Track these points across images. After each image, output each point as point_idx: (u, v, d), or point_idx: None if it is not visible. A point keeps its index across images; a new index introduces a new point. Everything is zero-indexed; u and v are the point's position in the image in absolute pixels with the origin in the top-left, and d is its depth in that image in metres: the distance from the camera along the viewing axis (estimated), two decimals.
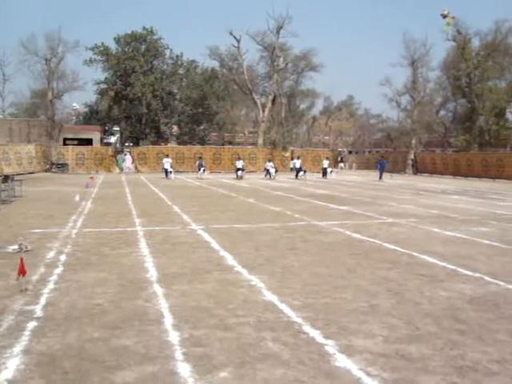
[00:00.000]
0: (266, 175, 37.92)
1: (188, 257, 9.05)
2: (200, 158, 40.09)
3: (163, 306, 6.16)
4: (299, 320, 5.70)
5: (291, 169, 47.61)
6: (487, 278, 7.74)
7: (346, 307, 6.21)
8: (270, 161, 40.02)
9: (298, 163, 38.30)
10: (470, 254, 9.70)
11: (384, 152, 57.75)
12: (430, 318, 5.87)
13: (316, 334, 5.27)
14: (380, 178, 36.25)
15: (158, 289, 6.90)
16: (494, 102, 50.39)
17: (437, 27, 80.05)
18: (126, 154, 47.37)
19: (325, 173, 39.78)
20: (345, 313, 6.00)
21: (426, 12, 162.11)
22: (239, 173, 36.36)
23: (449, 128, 61.06)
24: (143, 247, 9.92)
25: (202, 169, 36.74)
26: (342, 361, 4.63)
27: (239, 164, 37.29)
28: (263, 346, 4.95)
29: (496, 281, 7.60)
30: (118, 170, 44.42)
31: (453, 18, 43.56)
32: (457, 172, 44.89)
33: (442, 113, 62.26)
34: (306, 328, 5.46)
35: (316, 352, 4.83)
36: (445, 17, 39.85)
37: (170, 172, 36.23)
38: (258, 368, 4.44)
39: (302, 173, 37.39)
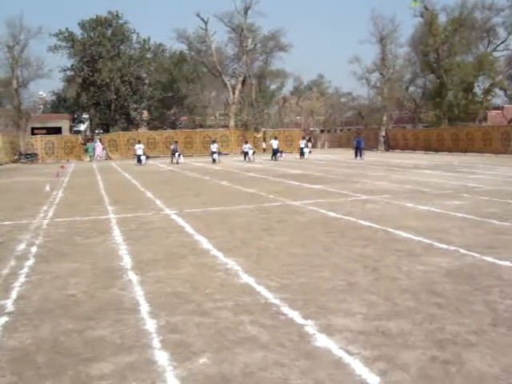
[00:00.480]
0: (244, 158, 37.00)
1: (162, 242, 8.93)
2: (175, 142, 39.13)
3: (139, 293, 6.04)
4: (277, 301, 5.63)
5: (264, 149, 47.54)
6: (462, 251, 7.77)
7: (323, 286, 6.16)
8: (246, 143, 39.39)
9: (275, 144, 37.39)
10: (445, 227, 9.75)
11: (360, 129, 57.35)
12: (408, 293, 5.85)
13: (295, 315, 5.21)
14: (359, 155, 35.63)
15: (132, 276, 6.77)
16: (462, 77, 50.81)
17: (405, 3, 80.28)
18: (95, 142, 46.74)
19: (302, 153, 38.87)
20: (323, 292, 5.95)
21: None
22: (215, 156, 35.48)
23: (419, 104, 61.42)
24: (117, 235, 9.75)
25: (177, 154, 35.81)
26: (322, 341, 4.57)
27: (214, 147, 36.37)
28: (242, 330, 4.87)
29: (471, 253, 7.63)
30: (88, 159, 43.66)
31: None
32: (428, 147, 45.34)
33: (411, 89, 62.53)
34: (285, 309, 5.39)
35: (295, 333, 4.77)
36: None
37: (146, 157, 35.67)
38: (237, 352, 4.37)
39: (279, 154, 37.01)
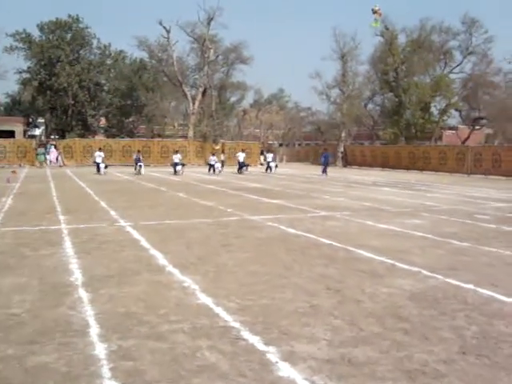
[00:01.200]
0: (209, 170, 35.23)
1: (116, 256, 8.51)
2: (138, 151, 37.07)
3: (89, 313, 5.63)
4: (237, 325, 5.33)
5: (222, 162, 47.20)
6: (425, 272, 7.62)
7: (285, 308, 5.89)
8: (213, 154, 37.56)
9: (241, 157, 36.42)
10: (406, 247, 9.63)
11: (325, 144, 56.86)
12: (373, 317, 5.63)
13: (255, 341, 4.91)
14: (324, 171, 34.43)
15: (83, 294, 6.34)
16: (419, 97, 51.82)
17: (366, 21, 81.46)
18: (50, 147, 45.53)
19: (269, 167, 37.93)
20: (285, 315, 5.67)
21: (356, 6, 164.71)
22: (178, 168, 33.36)
23: (377, 121, 62.31)
24: (68, 247, 9.27)
25: (139, 164, 33.78)
26: (285, 370, 4.29)
27: (176, 158, 34.23)
28: (199, 357, 4.54)
29: (434, 274, 7.49)
30: (38, 164, 42.15)
31: (380, 15, 44.23)
32: (385, 164, 45.85)
33: (370, 106, 63.42)
34: (245, 334, 5.09)
35: (257, 361, 4.47)
36: (375, 12, 40.30)
37: (104, 166, 33.41)
38: (194, 383, 4.04)
39: (244, 168, 36.19)
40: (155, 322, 5.40)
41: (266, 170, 37.81)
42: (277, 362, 4.44)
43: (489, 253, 9.25)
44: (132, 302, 6.03)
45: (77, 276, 7.18)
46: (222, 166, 35.45)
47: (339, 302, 6.18)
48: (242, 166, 35.97)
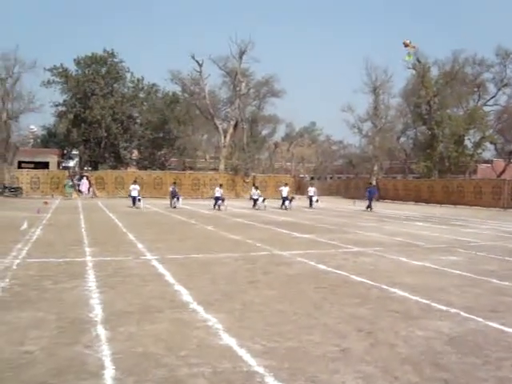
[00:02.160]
0: (254, 205, 33.27)
1: (139, 291, 8.22)
2: (174, 183, 35.43)
3: (105, 353, 5.33)
4: (261, 370, 4.95)
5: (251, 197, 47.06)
6: (463, 314, 7.15)
7: (313, 352, 5.49)
8: (257, 188, 34.98)
9: (285, 191, 33.72)
10: (442, 285, 9.14)
11: (371, 179, 55.24)
12: (409, 363, 5.20)
13: None
14: (369, 206, 32.66)
15: (101, 331, 6.06)
16: (452, 130, 51.11)
17: (398, 55, 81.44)
18: (81, 179, 46.00)
19: (311, 201, 35.60)
20: (312, 359, 5.28)
21: (388, 38, 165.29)
22: (219, 203, 31.26)
23: (409, 154, 61.66)
24: (91, 280, 9.03)
25: (177, 197, 32.31)
26: None
27: (218, 192, 32.06)
28: None
29: (473, 316, 7.02)
30: (65, 195, 42.01)
31: (414, 47, 44.00)
32: (418, 198, 45.07)
33: (402, 139, 62.95)
34: (269, 380, 4.71)
35: None
36: (406, 46, 40.11)
37: (139, 200, 31.51)
38: None
39: (288, 202, 33.21)
40: (174, 364, 5.07)
41: (310, 205, 35.34)
42: None
43: None
44: (151, 342, 5.72)
45: (97, 312, 6.91)
46: (264, 200, 32.90)
47: (371, 345, 5.76)
48: (284, 200, 33.30)
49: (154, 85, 61.65)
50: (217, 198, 31.62)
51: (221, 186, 34.34)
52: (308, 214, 27.68)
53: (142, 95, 60.93)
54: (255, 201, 33.14)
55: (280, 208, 32.99)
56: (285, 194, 33.40)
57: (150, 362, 5.10)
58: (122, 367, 4.94)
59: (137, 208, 30.61)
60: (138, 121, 60.91)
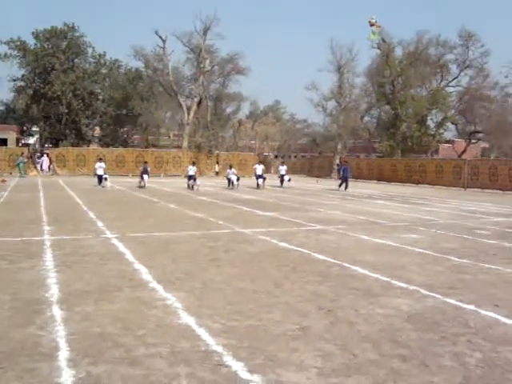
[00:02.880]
0: (228, 184, 31.56)
1: (98, 270, 8.05)
2: (145, 162, 33.77)
3: (60, 334, 5.18)
4: (219, 349, 4.89)
5: (217, 173, 46.80)
6: (423, 291, 7.21)
7: (273, 331, 5.45)
8: (231, 167, 32.59)
9: (259, 169, 32.38)
10: (403, 263, 9.22)
11: (338, 158, 53.85)
12: (368, 341, 5.20)
13: (239, 368, 4.48)
14: (342, 185, 31.31)
15: (57, 312, 5.90)
16: (415, 110, 51.70)
17: (363, 33, 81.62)
18: (41, 156, 44.99)
19: (282, 180, 34.45)
20: (272, 338, 5.23)
21: (353, 17, 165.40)
22: (191, 182, 29.81)
23: (373, 133, 62.16)
24: (48, 259, 8.80)
25: (146, 176, 30.45)
26: None
27: (191, 171, 30.64)
28: None
29: (432, 293, 7.09)
30: (18, 174, 40.06)
31: (379, 26, 44.11)
32: (381, 177, 45.55)
33: (366, 118, 63.35)
34: (228, 359, 4.65)
35: None
36: (372, 25, 40.22)
37: (105, 178, 30.19)
38: None
39: (261, 181, 31.74)
40: (131, 344, 4.96)
41: (281, 184, 34.25)
42: None
43: (489, 270, 8.85)
44: (109, 322, 5.59)
45: (53, 292, 6.73)
46: (238, 179, 31.19)
47: (331, 323, 5.75)
48: (259, 178, 31.97)
49: (116, 60, 60.36)
50: (190, 177, 30.26)
51: (194, 163, 32.74)
52: (273, 193, 27.66)
53: (104, 71, 59.53)
54: (230, 180, 31.52)
55: (257, 188, 31.38)
56: (259, 173, 32.11)
57: (107, 343, 4.98)
58: (77, 348, 4.81)
59: (103, 187, 29.12)
60: (100, 97, 59.59)
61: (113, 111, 58.43)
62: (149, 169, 31.60)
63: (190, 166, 31.30)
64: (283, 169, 35.08)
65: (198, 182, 29.88)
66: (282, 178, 34.51)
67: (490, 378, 4.41)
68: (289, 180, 34.45)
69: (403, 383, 4.27)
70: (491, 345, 5.20)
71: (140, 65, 59.33)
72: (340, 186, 31.47)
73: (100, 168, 30.55)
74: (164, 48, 54.28)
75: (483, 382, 4.35)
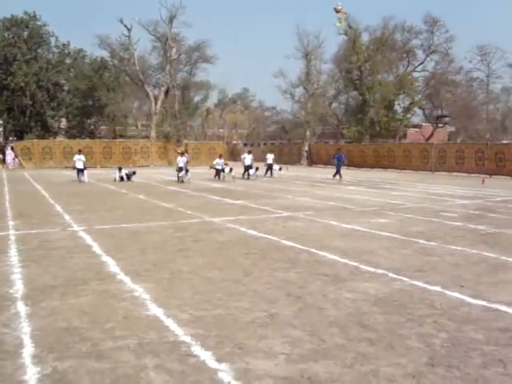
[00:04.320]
0: (217, 175, 28.85)
1: (64, 264, 7.95)
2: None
3: (25, 330, 5.10)
4: (187, 339, 4.87)
5: (187, 162, 46.41)
6: (391, 275, 7.29)
7: (242, 319, 5.45)
8: (220, 157, 30.21)
9: (248, 159, 30.05)
10: (371, 248, 9.30)
11: (307, 144, 53.30)
12: (336, 326, 5.24)
13: (207, 357, 4.47)
14: (337, 174, 29.02)
15: (21, 308, 5.80)
16: (383, 95, 52.13)
17: (330, 19, 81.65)
18: (7, 149, 44.16)
19: (269, 169, 32.23)
20: (241, 326, 5.23)
21: (320, 4, 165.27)
22: (182, 174, 26.77)
23: (341, 119, 62.46)
24: (13, 255, 8.66)
25: (119, 168, 28.76)
26: None
27: (181, 162, 27.61)
28: (143, 378, 4.09)
29: (400, 277, 7.17)
30: None
31: (345, 13, 44.10)
32: (350, 162, 45.54)
33: (334, 105, 63.56)
34: (196, 349, 4.64)
35: (207, 381, 4.04)
36: (338, 11, 40.15)
37: (83, 171, 27.54)
38: None
39: (252, 171, 29.46)
40: (98, 338, 4.91)
41: (271, 174, 31.99)
42: (229, 383, 4.01)
43: (455, 252, 8.99)
44: (75, 316, 5.52)
45: (18, 287, 6.62)
46: (231, 170, 28.17)
47: (300, 309, 5.77)
48: (248, 168, 29.57)
49: (80, 50, 59.29)
50: (181, 169, 27.13)
51: (182, 154, 29.13)
52: (239, 181, 27.57)
53: (68, 61, 58.39)
54: (218, 171, 28.58)
55: (242, 177, 29.27)
56: (248, 163, 29.73)
57: (73, 337, 4.92)
58: (43, 344, 4.74)
59: (81, 181, 26.87)
60: (66, 88, 58.53)
61: (79, 102, 57.39)
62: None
63: (179, 157, 28.21)
64: (271, 157, 32.61)
65: (190, 174, 27.09)
66: (269, 167, 32.33)
67: (454, 357, 4.49)
68: (279, 169, 32.78)
69: (370, 366, 4.31)
70: (456, 325, 5.29)
71: (105, 54, 58.37)
72: (335, 175, 29.25)
73: (79, 161, 27.93)
74: (129, 37, 53.62)
75: (448, 361, 4.42)
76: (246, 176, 29.61)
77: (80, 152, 29.10)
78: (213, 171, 29.34)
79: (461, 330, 5.14)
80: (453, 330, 5.14)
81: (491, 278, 7.17)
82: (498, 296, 6.29)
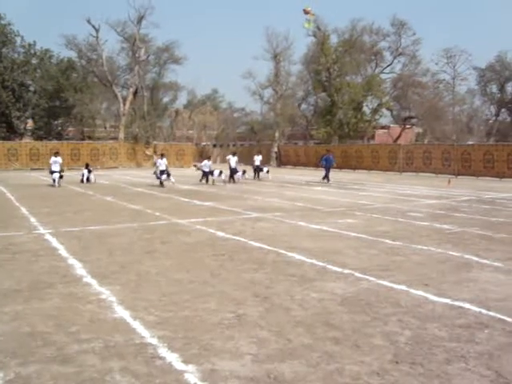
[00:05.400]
0: (204, 179, 26.23)
1: (29, 268, 7.83)
2: (87, 165, 29.03)
3: None
4: (154, 341, 4.85)
5: (155, 164, 46.19)
6: (357, 274, 7.38)
7: (208, 320, 5.45)
8: (209, 158, 27.87)
9: (233, 161, 27.83)
10: (338, 248, 9.39)
11: (276, 145, 53.63)
12: (303, 326, 5.28)
13: (174, 359, 4.47)
14: (325, 176, 27.86)
15: None
16: (351, 96, 52.48)
17: (299, 21, 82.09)
18: None
19: (257, 171, 30.49)
20: (208, 327, 5.23)
21: (289, 6, 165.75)
22: (163, 177, 24.52)
23: (310, 121, 62.73)
24: None
25: (87, 171, 27.32)
26: None
27: (162, 165, 25.00)
28: (109, 381, 4.06)
29: (366, 276, 7.26)
30: None
31: (313, 15, 44.39)
32: (319, 163, 46.05)
33: (303, 106, 63.72)
34: (162, 351, 4.63)
35: (173, 383, 4.03)
36: (307, 13, 40.43)
37: (61, 176, 25.34)
38: None
39: (240, 174, 27.59)
40: (63, 341, 4.86)
41: (257, 176, 30.35)
42: None
43: (421, 251, 9.14)
44: (40, 320, 5.45)
45: None
46: (220, 173, 26.27)
47: (267, 310, 5.80)
48: (234, 172, 27.50)
49: (47, 50, 58.36)
50: (162, 172, 24.73)
51: (163, 155, 26.54)
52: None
53: (34, 61, 57.40)
54: (206, 174, 26.23)
55: (228, 182, 26.95)
56: (233, 165, 27.52)
57: (37, 342, 4.86)
58: (6, 349, 4.67)
59: (55, 186, 24.40)
60: (32, 88, 57.54)
61: (45, 103, 56.52)
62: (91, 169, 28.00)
63: (159, 160, 25.58)
64: (258, 159, 31.18)
65: (173, 178, 24.89)
66: (257, 169, 30.62)
67: (418, 354, 4.57)
68: (267, 171, 30.75)
69: (336, 365, 4.35)
70: (420, 322, 5.38)
71: (73, 55, 57.61)
72: (325, 177, 27.97)
73: (55, 164, 25.57)
74: (97, 37, 52.97)
75: (412, 357, 4.50)
76: (231, 180, 27.16)
77: (57, 154, 26.85)
78: (199, 173, 27.17)
79: (424, 328, 5.23)
80: (417, 328, 5.23)
81: (455, 277, 7.31)
82: (461, 294, 6.42)
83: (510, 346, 4.77)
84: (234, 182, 27.10)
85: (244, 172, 28.16)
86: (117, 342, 4.82)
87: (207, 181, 25.98)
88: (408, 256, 8.74)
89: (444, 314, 5.69)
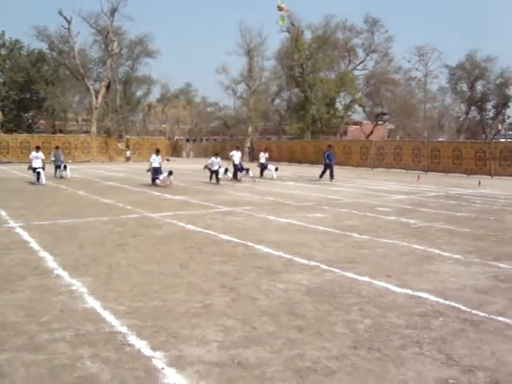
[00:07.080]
0: (213, 178, 23.64)
1: (0, 261, 7.91)
2: (56, 148, 28.17)
3: None
4: (124, 329, 5.02)
5: (128, 158, 46.07)
6: (323, 266, 7.62)
7: (177, 309, 5.63)
8: (216, 155, 24.41)
9: (236, 157, 25.74)
10: (306, 241, 9.63)
11: (249, 140, 53.22)
12: (268, 315, 5.49)
13: (142, 346, 4.64)
14: (323, 174, 26.36)
15: None
16: (324, 92, 52.89)
17: (273, 17, 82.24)
18: None
19: (262, 169, 27.94)
20: (176, 316, 5.41)
21: (262, 2, 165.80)
22: (162, 177, 21.56)
23: (284, 116, 63.07)
24: None
25: (63, 165, 25.87)
26: (171, 376, 4.06)
27: (155, 162, 22.40)
28: (79, 367, 4.21)
29: (332, 268, 7.50)
30: None
31: (287, 11, 44.48)
32: (292, 159, 46.41)
33: (277, 101, 64.05)
34: (131, 339, 4.80)
35: (142, 368, 4.20)
36: (280, 9, 40.49)
37: (41, 170, 22.63)
38: None
39: (244, 172, 25.25)
40: (34, 331, 4.99)
41: (261, 174, 27.82)
42: (163, 369, 4.20)
43: (386, 244, 9.42)
44: (11, 311, 5.56)
45: None
46: (226, 171, 24.14)
47: (234, 300, 6.00)
48: (238, 169, 25.40)
49: (17, 41, 57.44)
50: (156, 170, 22.16)
51: (158, 151, 23.79)
52: (182, 176, 27.43)
53: (3, 52, 56.56)
54: (212, 172, 23.90)
55: (233, 179, 24.96)
56: (237, 161, 25.52)
57: (8, 331, 4.97)
58: None
59: (40, 184, 22.00)
60: (1, 80, 56.77)
61: (15, 95, 55.67)
62: (62, 157, 26.95)
63: (154, 156, 22.91)
64: (264, 156, 28.41)
65: (170, 176, 21.50)
66: (262, 166, 28.03)
67: (376, 341, 4.82)
68: (276, 169, 27.54)
69: (297, 351, 4.57)
70: (380, 311, 5.64)
71: (44, 46, 56.88)
72: (322, 175, 26.42)
73: (37, 159, 23.49)
74: (69, 29, 52.39)
75: (370, 343, 4.74)
76: (236, 178, 25.16)
77: (38, 149, 24.56)
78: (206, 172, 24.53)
79: (384, 316, 5.49)
80: (377, 316, 5.48)
81: (417, 269, 7.60)
82: (421, 284, 6.70)
83: (462, 332, 5.05)
84: (238, 180, 25.02)
85: (248, 170, 25.34)
86: (87, 331, 4.97)
87: (217, 180, 23.42)
88: (373, 249, 9.01)
89: (404, 303, 5.96)
